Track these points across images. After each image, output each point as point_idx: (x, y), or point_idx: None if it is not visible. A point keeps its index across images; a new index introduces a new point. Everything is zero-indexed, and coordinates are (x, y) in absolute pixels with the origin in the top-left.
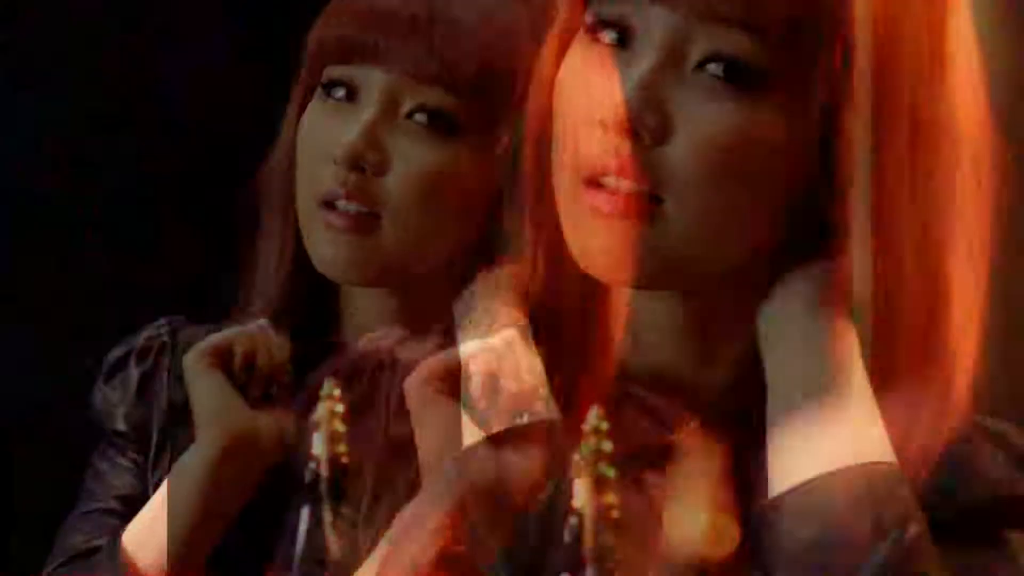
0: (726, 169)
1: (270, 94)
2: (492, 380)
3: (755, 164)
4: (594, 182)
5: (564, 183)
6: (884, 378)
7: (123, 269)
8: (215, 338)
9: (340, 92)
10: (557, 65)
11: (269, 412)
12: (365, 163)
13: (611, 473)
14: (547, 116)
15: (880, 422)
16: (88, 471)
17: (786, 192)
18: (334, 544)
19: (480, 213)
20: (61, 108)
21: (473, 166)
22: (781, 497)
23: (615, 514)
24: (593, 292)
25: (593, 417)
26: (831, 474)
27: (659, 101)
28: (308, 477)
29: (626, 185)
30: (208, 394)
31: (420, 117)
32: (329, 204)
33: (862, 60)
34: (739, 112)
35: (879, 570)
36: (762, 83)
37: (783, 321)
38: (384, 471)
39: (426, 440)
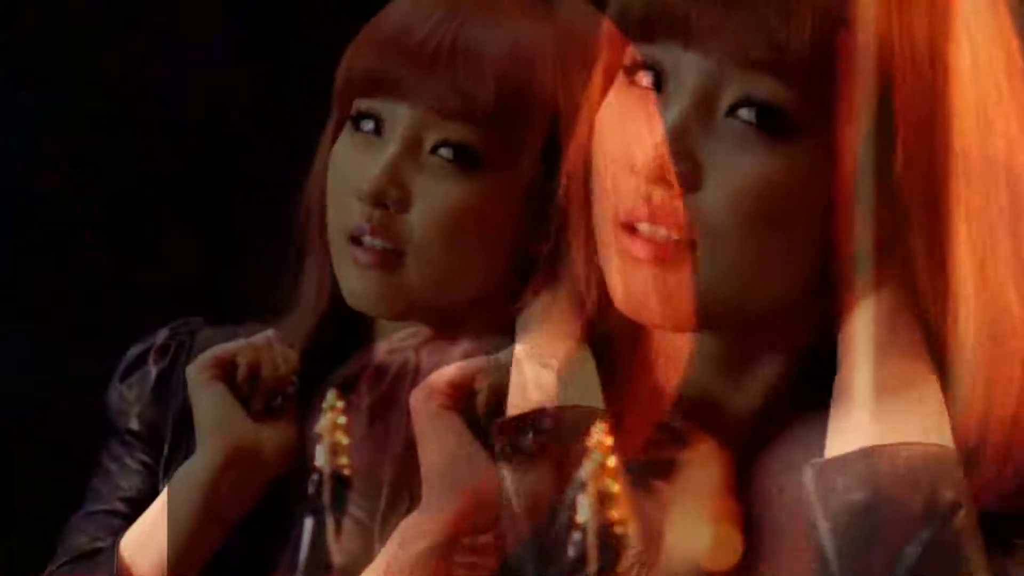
0: (758, 215)
1: (270, 94)
2: (498, 395)
3: (787, 209)
4: (629, 227)
5: (602, 226)
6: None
7: (123, 269)
8: (218, 349)
9: (369, 125)
10: (599, 104)
11: (272, 424)
12: (388, 200)
13: (616, 488)
14: (588, 154)
15: (947, 414)
16: (96, 470)
17: (820, 235)
18: (337, 555)
19: (506, 244)
20: (61, 108)
21: (496, 198)
22: (844, 456)
23: (619, 530)
24: (636, 326)
25: (597, 432)
26: (895, 445)
27: (690, 149)
28: (311, 488)
29: (661, 232)
30: (210, 405)
31: (444, 152)
32: (356, 239)
33: (902, 100)
34: (770, 158)
35: (925, 547)
36: (792, 128)
37: (864, 325)
38: (401, 474)
39: (428, 454)
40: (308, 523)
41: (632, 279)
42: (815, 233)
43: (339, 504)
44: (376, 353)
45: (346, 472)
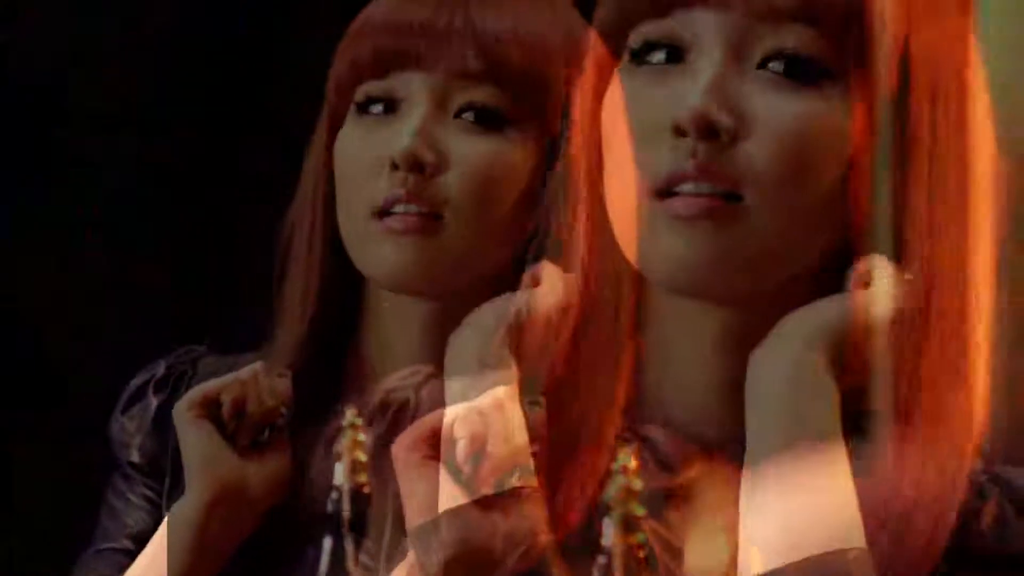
0: (801, 161)
1: (270, 94)
2: (478, 444)
3: (826, 156)
4: (668, 192)
5: (629, 200)
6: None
7: (123, 269)
8: (204, 387)
9: (377, 108)
10: (597, 98)
11: (260, 459)
12: (425, 163)
13: (640, 511)
14: (593, 148)
15: (854, 498)
16: (103, 507)
17: (848, 190)
18: (356, 574)
19: (531, 210)
20: (61, 108)
21: (522, 160)
22: None
23: (643, 553)
24: (634, 302)
25: (623, 455)
26: (796, 565)
27: (731, 100)
28: (330, 507)
29: (706, 188)
30: (196, 444)
31: (469, 115)
32: (385, 212)
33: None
34: (807, 105)
35: None
36: (823, 76)
37: (766, 380)
38: (403, 516)
39: (412, 508)
40: (327, 543)
41: (676, 243)
42: (846, 187)
43: (359, 522)
44: (376, 392)
45: (365, 490)
